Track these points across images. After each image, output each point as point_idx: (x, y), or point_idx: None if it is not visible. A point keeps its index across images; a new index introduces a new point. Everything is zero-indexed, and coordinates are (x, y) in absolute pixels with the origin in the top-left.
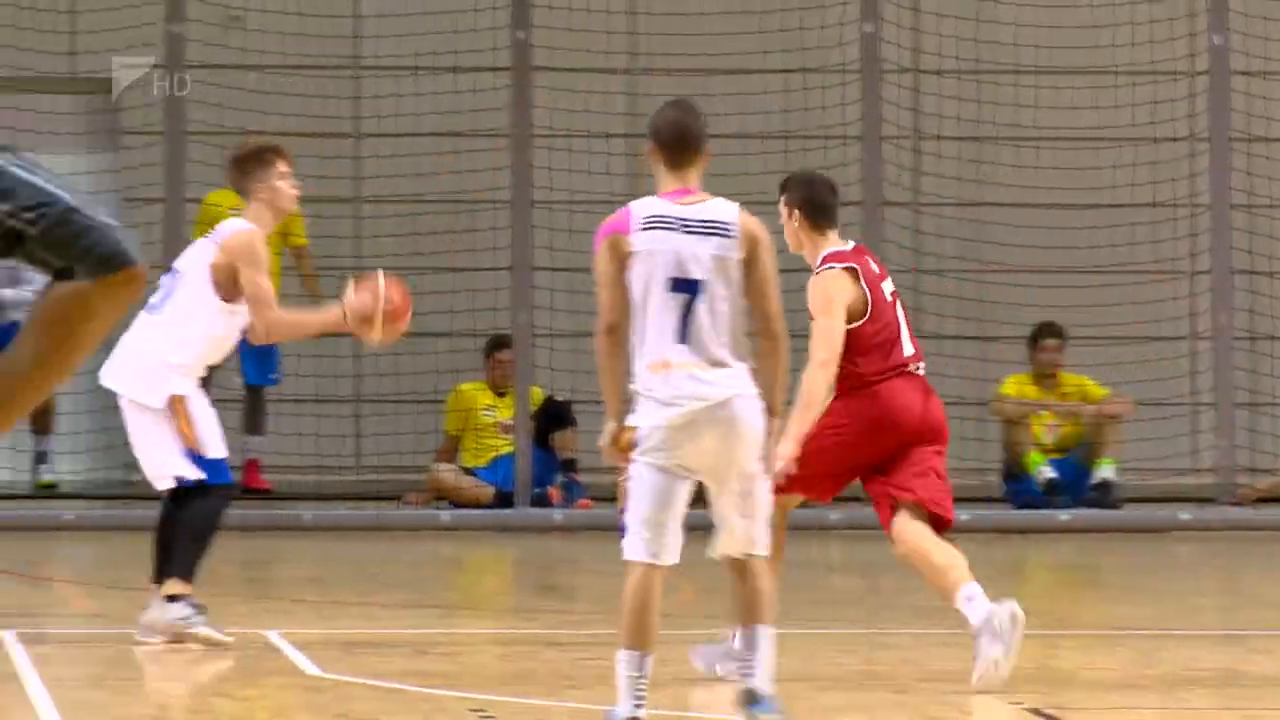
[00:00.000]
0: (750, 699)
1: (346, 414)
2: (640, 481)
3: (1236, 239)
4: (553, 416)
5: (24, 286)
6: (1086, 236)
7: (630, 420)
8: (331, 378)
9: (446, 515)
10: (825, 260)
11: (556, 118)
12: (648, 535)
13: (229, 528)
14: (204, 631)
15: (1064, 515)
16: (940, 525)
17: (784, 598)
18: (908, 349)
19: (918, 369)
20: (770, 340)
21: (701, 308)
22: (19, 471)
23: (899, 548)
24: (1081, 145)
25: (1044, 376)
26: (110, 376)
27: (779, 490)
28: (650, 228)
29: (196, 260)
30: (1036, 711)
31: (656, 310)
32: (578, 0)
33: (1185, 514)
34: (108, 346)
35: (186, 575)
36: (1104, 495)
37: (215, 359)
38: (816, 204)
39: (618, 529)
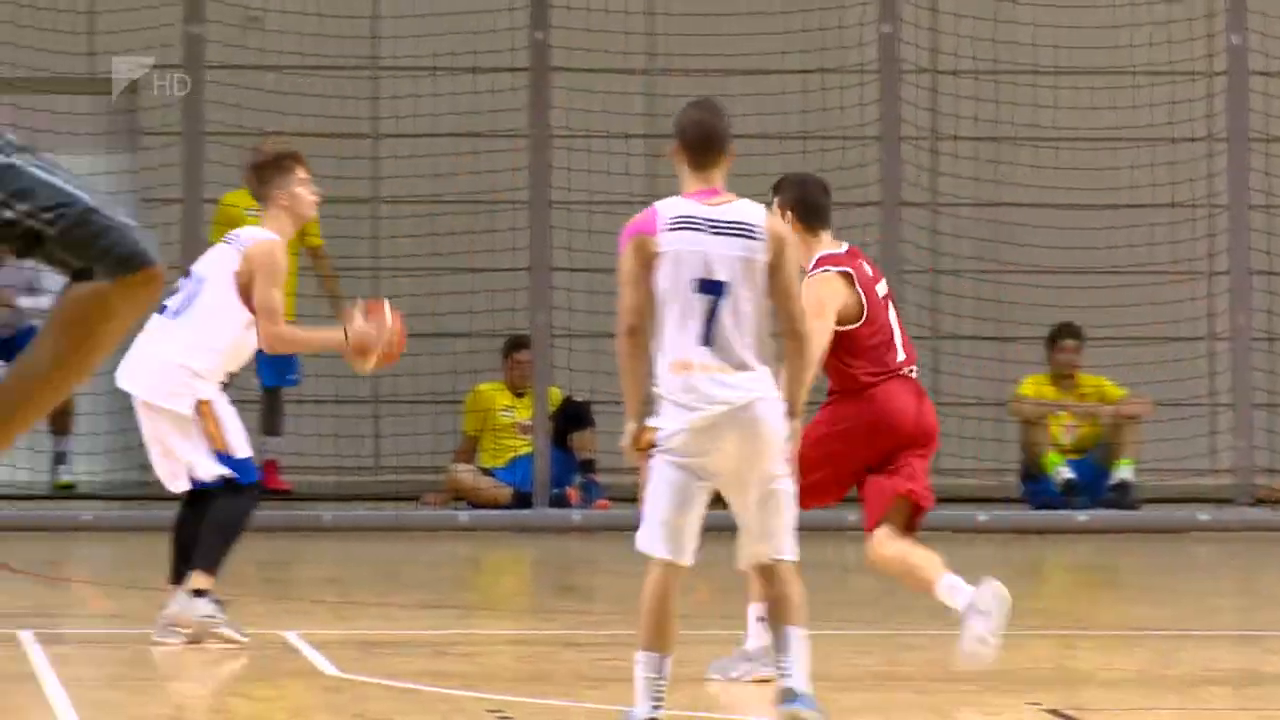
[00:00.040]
0: (789, 696)
1: (365, 414)
2: (659, 478)
3: (1255, 239)
4: (571, 417)
5: (42, 295)
6: (1104, 237)
7: (651, 422)
8: (350, 378)
9: (465, 516)
10: (819, 263)
11: (575, 118)
12: (665, 536)
13: (248, 528)
14: (225, 631)
15: (1082, 516)
16: (917, 514)
17: None
18: (901, 353)
19: (911, 372)
20: (795, 341)
21: (726, 309)
22: (37, 472)
23: (877, 550)
24: (1099, 145)
25: (1062, 377)
26: (131, 381)
27: None
28: (678, 228)
29: (220, 267)
30: (1055, 712)
31: (681, 311)
32: (596, 1)
33: (1203, 514)
34: (123, 348)
35: (211, 570)
36: (1122, 496)
37: (237, 366)
38: (809, 205)
39: (636, 529)
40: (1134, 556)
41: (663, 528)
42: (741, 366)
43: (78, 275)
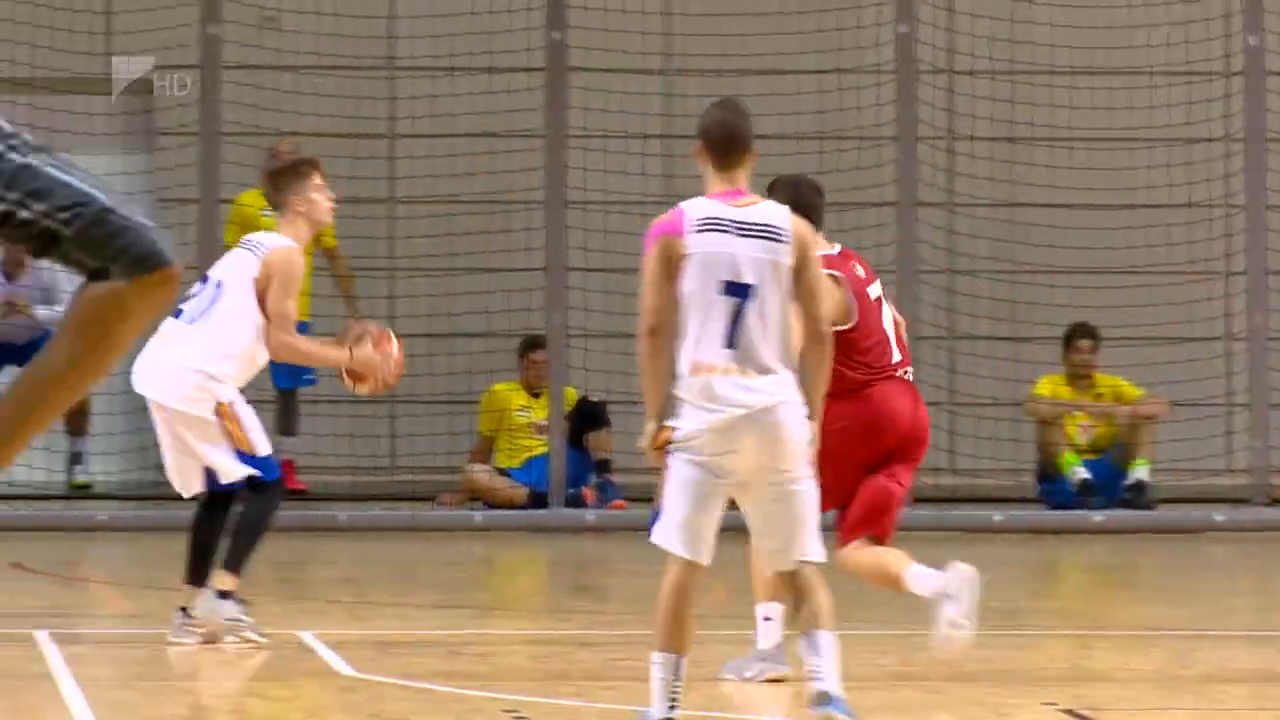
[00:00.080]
0: (824, 700)
1: (381, 415)
2: (677, 477)
3: (1272, 239)
4: (587, 417)
5: (57, 306)
6: (1121, 237)
7: (670, 422)
8: None
9: (480, 516)
10: None
11: (591, 118)
12: (683, 536)
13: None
14: (249, 634)
15: (1098, 516)
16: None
17: None
18: (895, 354)
19: (906, 374)
20: (817, 343)
21: (752, 312)
22: (53, 472)
23: (852, 556)
24: (1116, 146)
25: (1078, 377)
26: (148, 386)
27: None
28: (705, 230)
29: (239, 272)
30: (1070, 712)
31: (706, 313)
32: (613, 1)
33: (1220, 515)
34: (136, 351)
35: (237, 570)
36: (1138, 496)
37: (253, 372)
38: (802, 206)
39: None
40: (1150, 557)
41: (681, 529)
42: (764, 370)
43: (94, 275)
